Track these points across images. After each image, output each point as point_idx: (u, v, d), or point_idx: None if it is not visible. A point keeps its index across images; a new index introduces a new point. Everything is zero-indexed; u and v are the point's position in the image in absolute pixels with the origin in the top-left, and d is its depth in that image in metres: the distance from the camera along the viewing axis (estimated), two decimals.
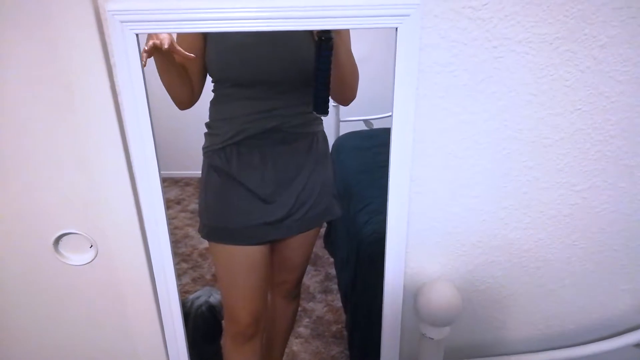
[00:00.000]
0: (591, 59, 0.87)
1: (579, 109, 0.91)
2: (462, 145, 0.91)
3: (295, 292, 1.48)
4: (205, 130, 1.18)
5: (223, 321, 1.46)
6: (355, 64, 1.08)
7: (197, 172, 1.23)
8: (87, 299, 0.95)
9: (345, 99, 1.14)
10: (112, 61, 0.77)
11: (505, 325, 1.12)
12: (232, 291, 1.26)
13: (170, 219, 1.72)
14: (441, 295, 0.91)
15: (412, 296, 1.00)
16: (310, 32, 0.92)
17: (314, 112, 1.04)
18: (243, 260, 1.23)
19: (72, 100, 0.79)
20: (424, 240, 0.99)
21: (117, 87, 0.79)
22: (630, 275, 1.10)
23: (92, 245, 0.90)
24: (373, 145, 1.58)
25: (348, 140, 1.62)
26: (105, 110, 0.79)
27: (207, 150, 1.18)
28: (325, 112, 1.03)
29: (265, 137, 1.14)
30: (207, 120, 1.18)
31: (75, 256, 0.91)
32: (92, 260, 0.90)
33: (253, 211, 1.18)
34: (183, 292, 1.65)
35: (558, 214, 1.00)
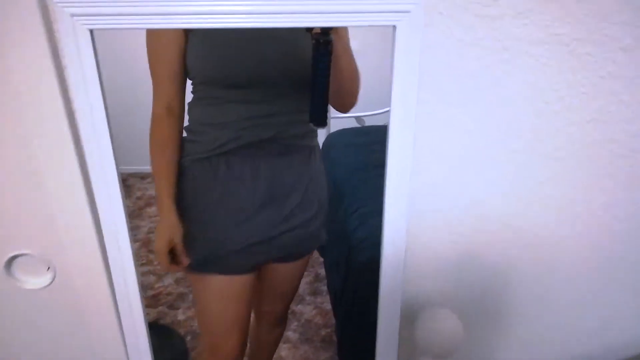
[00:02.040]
0: (611, 63, 0.79)
1: (595, 118, 0.82)
2: (467, 157, 0.83)
3: (282, 319, 1.42)
4: (184, 135, 1.05)
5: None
6: (357, 69, 0.97)
7: None
8: (47, 323, 0.87)
9: (345, 105, 1.03)
10: (63, 62, 0.66)
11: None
12: (219, 321, 1.18)
13: (152, 217, 1.65)
14: (442, 326, 0.83)
15: (410, 323, 0.92)
16: (309, 32, 0.82)
17: (311, 124, 0.95)
18: (233, 289, 1.15)
19: (20, 107, 0.69)
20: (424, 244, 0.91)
21: (69, 92, 0.69)
22: None
23: (49, 268, 0.80)
24: (366, 143, 1.50)
25: (340, 137, 1.54)
26: (57, 118, 0.70)
27: (186, 160, 1.04)
28: (324, 124, 0.94)
29: (260, 148, 1.02)
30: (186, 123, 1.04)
31: (31, 279, 0.81)
32: (50, 283, 0.81)
33: (240, 230, 1.07)
34: (165, 294, 1.57)
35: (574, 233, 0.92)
